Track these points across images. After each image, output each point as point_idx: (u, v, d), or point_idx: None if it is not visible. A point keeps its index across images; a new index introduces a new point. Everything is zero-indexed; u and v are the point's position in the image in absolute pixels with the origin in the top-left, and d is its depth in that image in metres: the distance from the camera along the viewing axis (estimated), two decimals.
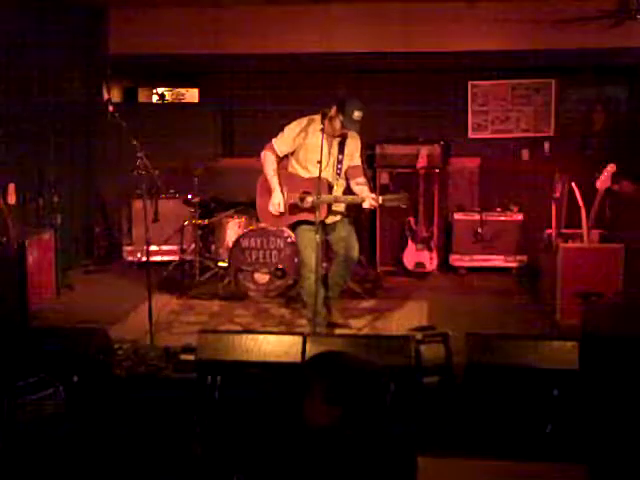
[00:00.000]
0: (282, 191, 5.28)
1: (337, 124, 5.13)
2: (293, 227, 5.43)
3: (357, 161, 5.38)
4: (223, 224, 6.99)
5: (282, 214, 5.29)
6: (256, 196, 5.47)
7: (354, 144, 5.33)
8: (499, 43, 7.68)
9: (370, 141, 7.05)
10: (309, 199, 5.16)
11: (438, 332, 4.59)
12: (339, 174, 5.28)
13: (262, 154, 5.34)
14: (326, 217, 5.24)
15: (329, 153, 5.18)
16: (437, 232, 7.51)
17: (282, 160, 5.38)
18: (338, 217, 5.38)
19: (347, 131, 5.21)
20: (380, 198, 5.12)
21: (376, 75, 8.03)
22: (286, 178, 5.33)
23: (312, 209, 5.09)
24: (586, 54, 7.53)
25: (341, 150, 5.26)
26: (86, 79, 8.06)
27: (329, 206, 5.23)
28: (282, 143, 5.29)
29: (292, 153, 5.33)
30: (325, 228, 5.33)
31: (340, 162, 5.27)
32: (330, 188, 5.22)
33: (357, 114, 5.07)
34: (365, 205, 5.12)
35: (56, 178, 6.94)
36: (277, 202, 5.25)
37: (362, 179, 5.34)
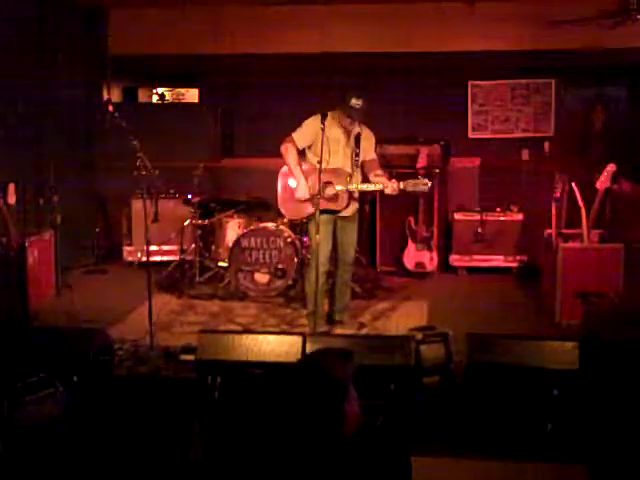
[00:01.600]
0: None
1: (342, 115, 5.34)
2: (309, 219, 5.54)
3: (373, 155, 5.61)
4: (223, 224, 6.99)
5: (309, 200, 5.39)
6: (278, 189, 5.62)
7: (368, 141, 5.56)
8: (499, 43, 7.68)
9: None
10: (331, 188, 5.35)
11: (438, 332, 4.57)
12: (357, 166, 5.48)
13: (282, 147, 5.46)
14: (347, 206, 5.44)
15: (346, 145, 5.42)
16: (437, 232, 7.50)
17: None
18: (354, 210, 5.53)
19: (354, 121, 5.36)
20: (401, 184, 5.29)
21: (376, 75, 8.02)
22: (306, 170, 5.45)
23: (334, 197, 5.36)
24: (586, 54, 7.53)
25: (357, 144, 5.47)
26: (86, 79, 8.06)
27: (349, 196, 5.43)
28: (301, 136, 5.44)
29: (309, 146, 5.46)
30: (337, 221, 5.50)
31: (357, 155, 5.47)
32: (349, 178, 5.41)
33: (354, 101, 5.27)
34: (387, 191, 5.32)
35: (56, 178, 6.94)
36: (303, 189, 5.40)
37: (380, 171, 5.55)
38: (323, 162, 5.35)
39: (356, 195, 5.52)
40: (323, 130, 5.10)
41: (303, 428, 2.18)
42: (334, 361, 2.32)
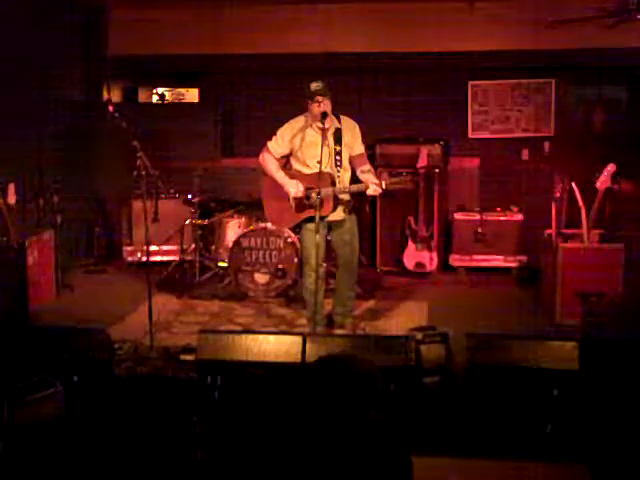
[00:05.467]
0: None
1: (313, 109, 5.16)
2: (299, 225, 5.46)
3: (359, 150, 5.40)
4: (223, 224, 7.00)
5: (298, 206, 5.28)
6: (264, 202, 5.53)
7: (351, 134, 5.35)
8: (499, 43, 7.67)
9: (370, 141, 7.05)
10: (314, 194, 5.13)
11: (438, 332, 4.58)
12: (339, 165, 5.28)
13: (260, 157, 5.42)
14: (332, 211, 5.27)
15: (325, 146, 5.09)
16: (437, 232, 7.50)
17: (287, 163, 5.46)
18: (344, 214, 5.38)
19: (328, 115, 5.15)
20: (383, 183, 5.14)
21: (376, 75, 8.02)
22: (289, 177, 5.37)
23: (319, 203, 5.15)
24: (586, 54, 7.52)
25: (338, 141, 5.28)
26: (86, 79, 8.06)
27: (335, 199, 5.25)
28: (277, 145, 5.38)
29: (291, 153, 5.38)
30: (330, 226, 5.38)
31: (338, 153, 5.28)
32: (332, 181, 5.23)
33: (314, 85, 5.11)
34: (369, 192, 5.14)
35: (56, 178, 6.94)
36: (294, 190, 5.26)
37: (367, 167, 5.36)
38: (304, 167, 5.31)
39: (345, 197, 5.33)
40: (323, 130, 5.03)
41: (322, 425, 2.17)
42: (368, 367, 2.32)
